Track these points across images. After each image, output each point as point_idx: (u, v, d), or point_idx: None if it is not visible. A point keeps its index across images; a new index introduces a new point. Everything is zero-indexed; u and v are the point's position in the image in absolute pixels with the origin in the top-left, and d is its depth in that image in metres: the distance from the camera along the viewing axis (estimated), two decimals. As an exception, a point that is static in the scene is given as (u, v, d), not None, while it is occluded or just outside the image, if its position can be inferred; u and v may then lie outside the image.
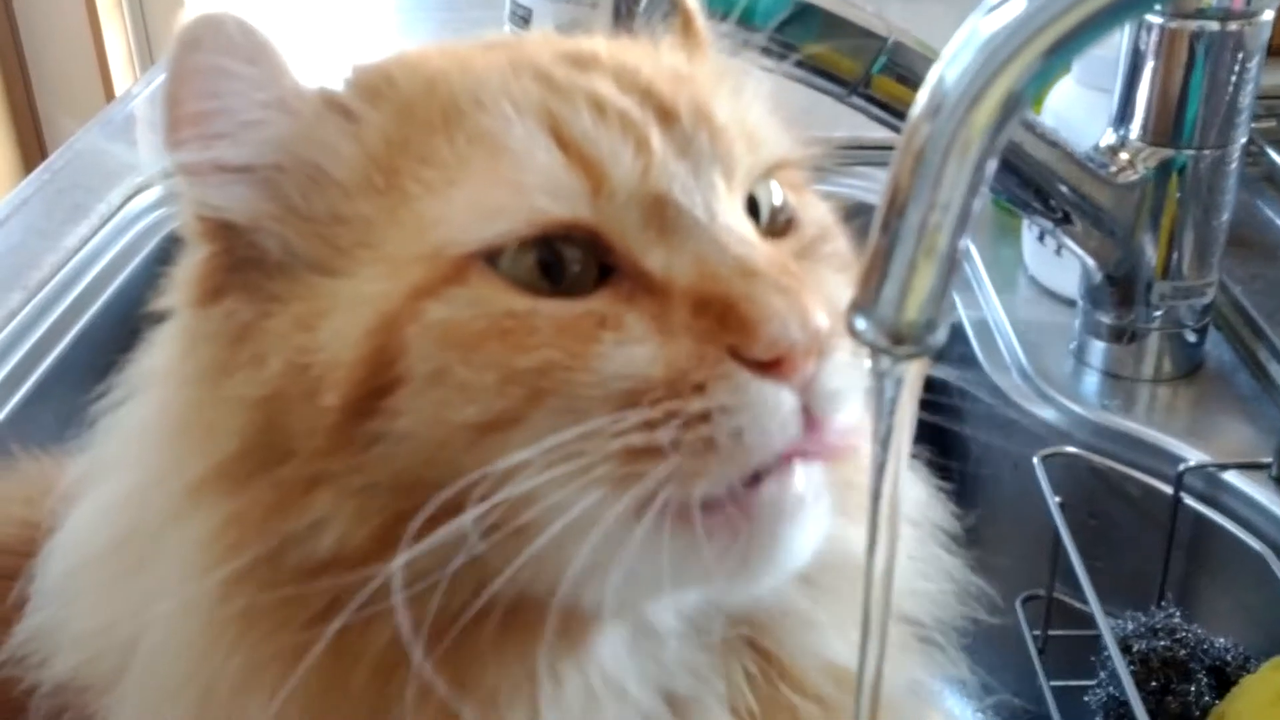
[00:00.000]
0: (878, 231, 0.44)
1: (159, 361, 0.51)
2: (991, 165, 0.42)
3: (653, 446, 0.42)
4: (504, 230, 0.43)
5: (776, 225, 0.51)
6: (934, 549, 0.57)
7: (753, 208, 0.50)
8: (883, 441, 0.46)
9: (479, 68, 0.48)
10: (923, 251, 0.43)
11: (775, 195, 0.51)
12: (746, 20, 0.62)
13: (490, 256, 0.44)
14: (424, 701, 0.45)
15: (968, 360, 0.90)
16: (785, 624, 0.52)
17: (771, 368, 0.43)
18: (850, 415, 0.45)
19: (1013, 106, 0.40)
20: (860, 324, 0.45)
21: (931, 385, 0.46)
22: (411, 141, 0.46)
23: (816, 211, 0.54)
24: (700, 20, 0.57)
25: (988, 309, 0.97)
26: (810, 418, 0.44)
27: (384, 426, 0.43)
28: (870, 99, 0.79)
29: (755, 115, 0.51)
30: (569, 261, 0.44)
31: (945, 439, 0.55)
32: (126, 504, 0.50)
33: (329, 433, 0.44)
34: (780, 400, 0.43)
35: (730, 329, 0.43)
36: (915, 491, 0.58)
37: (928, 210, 0.43)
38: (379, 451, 0.44)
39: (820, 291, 0.46)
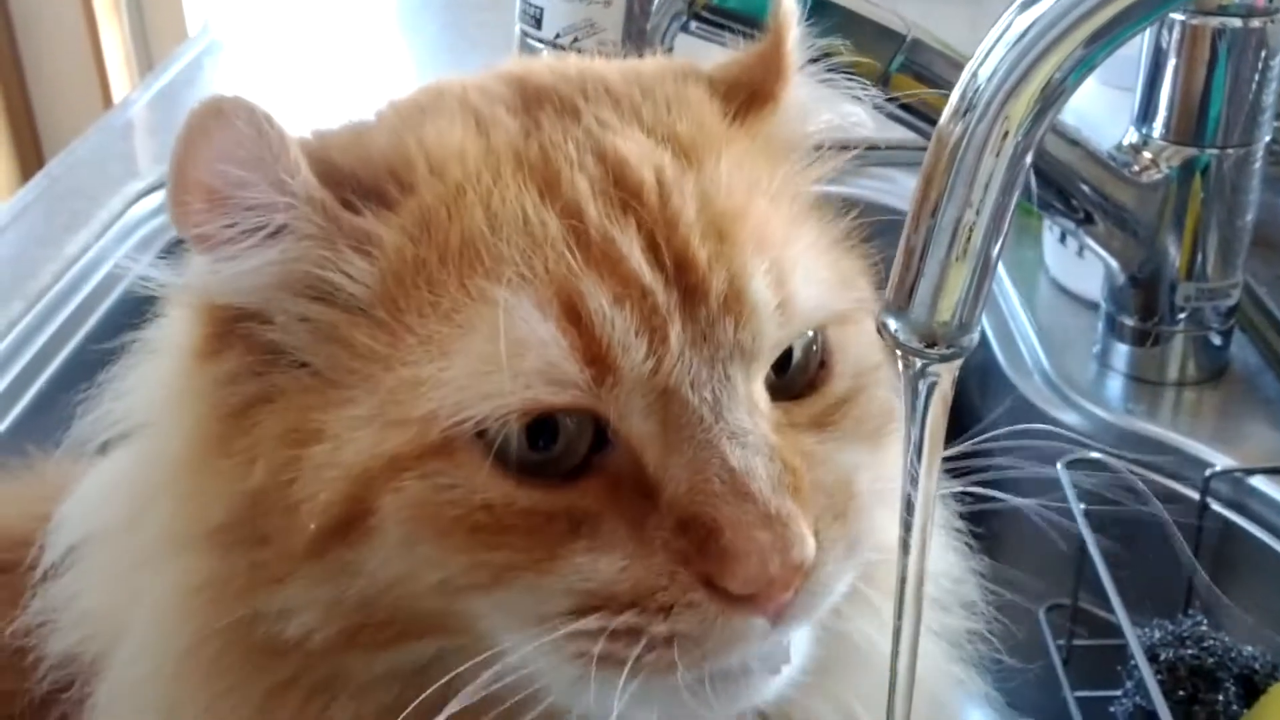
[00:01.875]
0: (910, 231, 0.43)
1: (163, 340, 0.50)
2: (1027, 161, 0.41)
3: (615, 656, 0.42)
4: (496, 412, 0.41)
5: (807, 376, 0.47)
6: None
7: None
8: (915, 450, 0.45)
9: (507, 186, 0.44)
10: (956, 251, 0.42)
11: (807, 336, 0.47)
12: (757, 18, 0.61)
13: (480, 430, 0.42)
14: None
15: (989, 365, 0.89)
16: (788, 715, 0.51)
17: (744, 601, 0.42)
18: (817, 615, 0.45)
19: (1053, 97, 0.39)
20: (892, 325, 0.43)
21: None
22: (424, 267, 0.43)
23: (858, 349, 0.49)
24: (792, 40, 0.51)
25: (1009, 312, 0.95)
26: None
27: (354, 559, 0.44)
28: (888, 98, 0.78)
29: (802, 277, 0.46)
30: (564, 429, 0.43)
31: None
32: (132, 488, 0.50)
33: (303, 545, 0.44)
34: (749, 629, 0.42)
35: (708, 557, 0.41)
36: (946, 562, 0.57)
37: (962, 208, 0.41)
38: (347, 576, 0.44)
39: (821, 487, 0.44)
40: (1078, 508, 0.77)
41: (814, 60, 0.52)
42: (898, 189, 1.00)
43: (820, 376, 0.48)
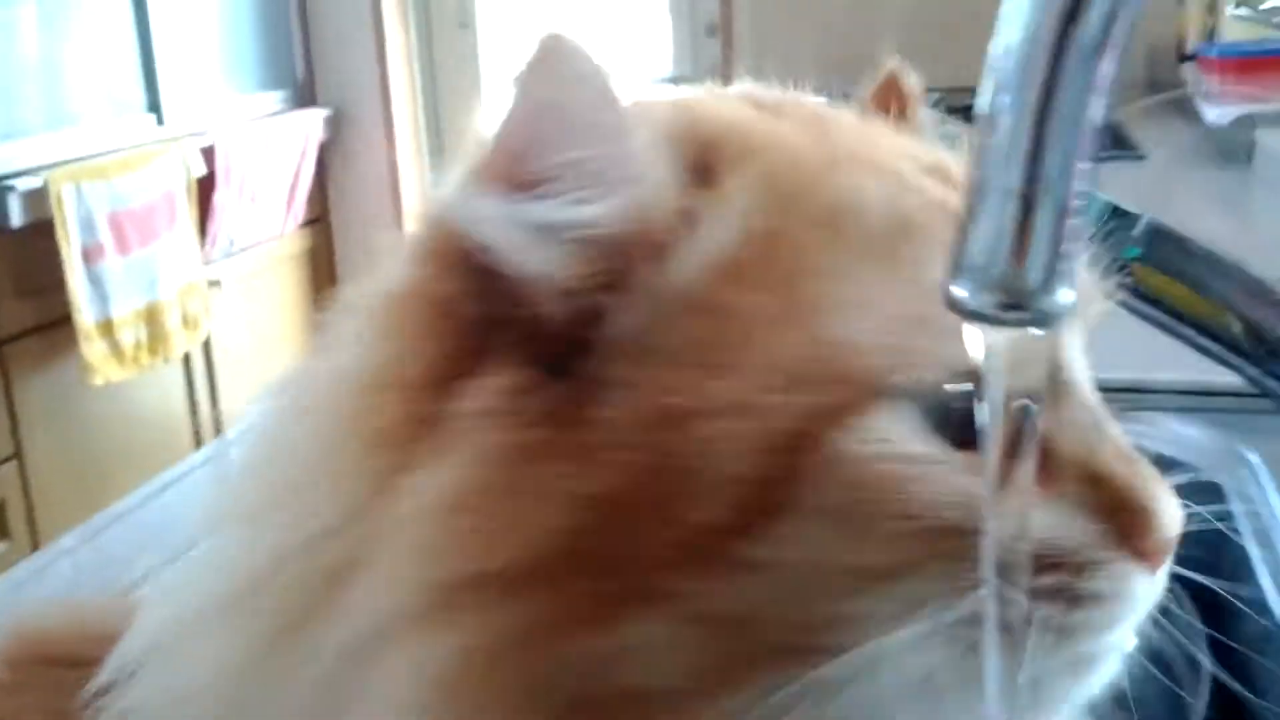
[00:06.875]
0: (972, 175, 0.36)
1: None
2: (1113, 58, 0.34)
3: (1023, 618, 0.39)
4: (928, 371, 0.40)
5: None
6: None
7: None
8: (996, 450, 0.36)
9: (840, 163, 0.45)
10: (1031, 192, 0.35)
11: None
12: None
13: (906, 389, 0.40)
14: None
15: (1241, 566, 0.73)
16: None
17: (1148, 557, 0.43)
18: None
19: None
20: (959, 291, 0.36)
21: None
22: (787, 234, 0.42)
23: None
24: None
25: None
26: None
27: (756, 553, 0.39)
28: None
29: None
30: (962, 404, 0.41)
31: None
32: (308, 563, 0.41)
33: (685, 549, 0.38)
34: (1145, 588, 0.43)
35: (1123, 517, 0.42)
36: None
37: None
38: (741, 578, 0.39)
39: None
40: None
41: None
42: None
43: None
